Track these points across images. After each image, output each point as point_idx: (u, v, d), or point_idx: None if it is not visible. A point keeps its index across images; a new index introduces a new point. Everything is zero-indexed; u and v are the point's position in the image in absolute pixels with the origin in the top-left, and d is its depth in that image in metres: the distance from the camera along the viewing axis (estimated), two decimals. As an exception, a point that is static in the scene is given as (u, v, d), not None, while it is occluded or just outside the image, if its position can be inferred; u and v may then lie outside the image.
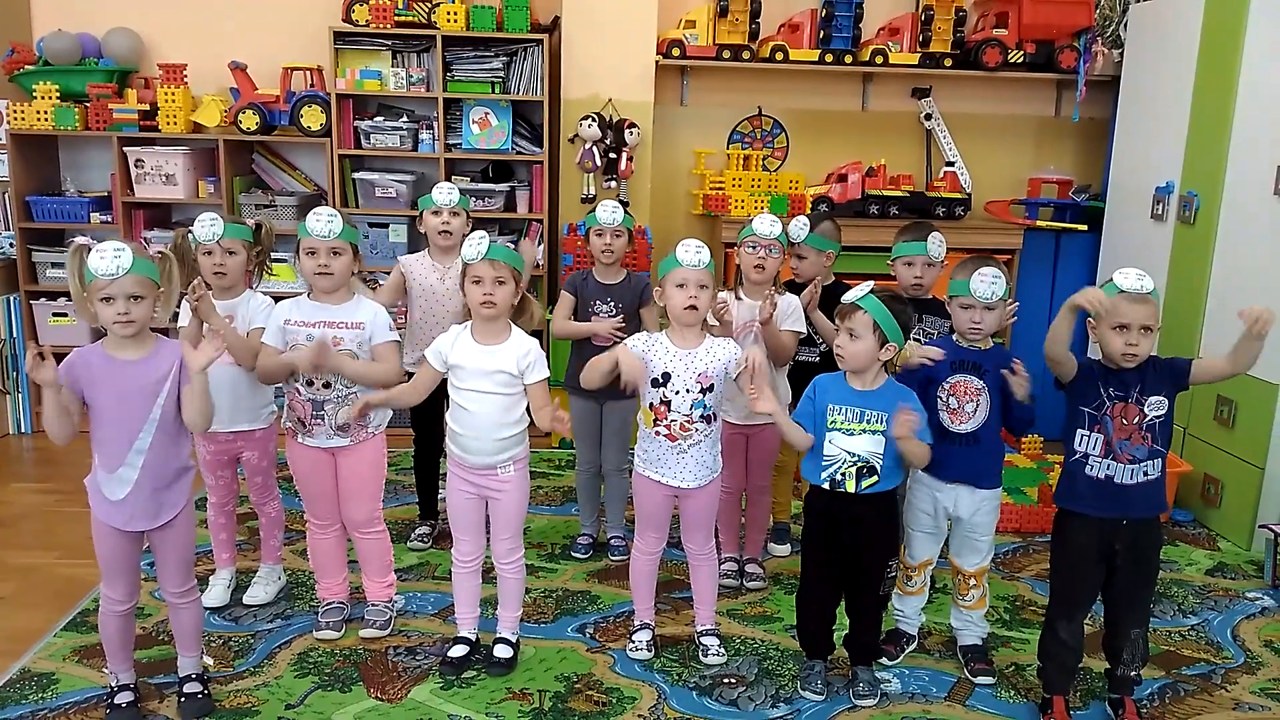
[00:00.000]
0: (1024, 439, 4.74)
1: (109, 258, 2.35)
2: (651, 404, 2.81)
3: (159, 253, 2.51)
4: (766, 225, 3.20)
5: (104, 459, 2.45)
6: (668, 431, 2.80)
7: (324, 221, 2.86)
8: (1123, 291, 2.53)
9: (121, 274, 2.35)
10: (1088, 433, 2.61)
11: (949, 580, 3.08)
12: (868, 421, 2.66)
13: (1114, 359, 2.57)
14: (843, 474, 2.67)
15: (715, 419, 2.84)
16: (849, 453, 2.66)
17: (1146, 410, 2.56)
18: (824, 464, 2.69)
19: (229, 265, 3.01)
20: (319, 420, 2.92)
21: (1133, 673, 2.72)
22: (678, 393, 2.77)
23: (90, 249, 2.39)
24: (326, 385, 2.89)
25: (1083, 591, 2.71)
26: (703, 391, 2.77)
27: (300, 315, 2.91)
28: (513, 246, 2.82)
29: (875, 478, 2.68)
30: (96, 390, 2.41)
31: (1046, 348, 2.61)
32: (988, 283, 2.75)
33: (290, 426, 2.97)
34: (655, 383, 2.78)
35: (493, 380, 2.75)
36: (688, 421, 2.78)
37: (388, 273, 3.83)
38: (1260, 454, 3.83)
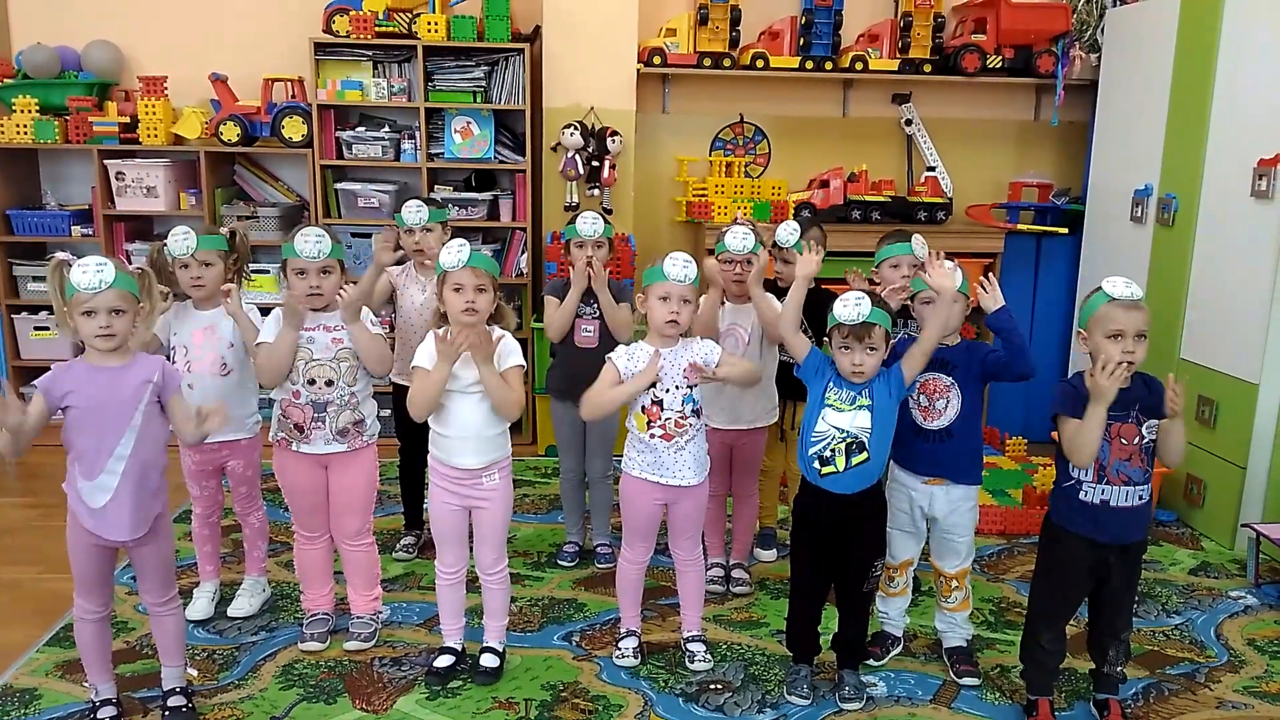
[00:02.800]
0: (1008, 440, 4.76)
1: (91, 272, 2.36)
2: (643, 406, 2.82)
3: (139, 269, 2.52)
4: (739, 241, 3.19)
5: (84, 467, 2.44)
6: (663, 432, 2.81)
7: (313, 243, 2.86)
8: (1114, 299, 2.52)
9: (104, 288, 2.36)
10: None
11: (933, 583, 3.09)
12: (857, 401, 2.68)
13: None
14: (832, 450, 2.67)
15: (702, 413, 2.87)
16: (838, 429, 2.67)
17: (1144, 432, 2.54)
18: (813, 440, 2.70)
19: (206, 277, 3.01)
20: (319, 424, 2.91)
21: (1118, 669, 2.74)
22: (668, 391, 2.79)
23: (71, 264, 2.39)
24: (329, 384, 2.89)
25: (1069, 604, 2.72)
26: (690, 386, 2.80)
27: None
28: (491, 254, 2.82)
29: (865, 455, 2.67)
30: (77, 398, 2.40)
31: (1078, 449, 2.56)
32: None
33: (283, 437, 2.95)
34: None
35: (464, 376, 2.74)
36: (681, 418, 2.80)
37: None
38: (1242, 454, 3.85)
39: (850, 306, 2.61)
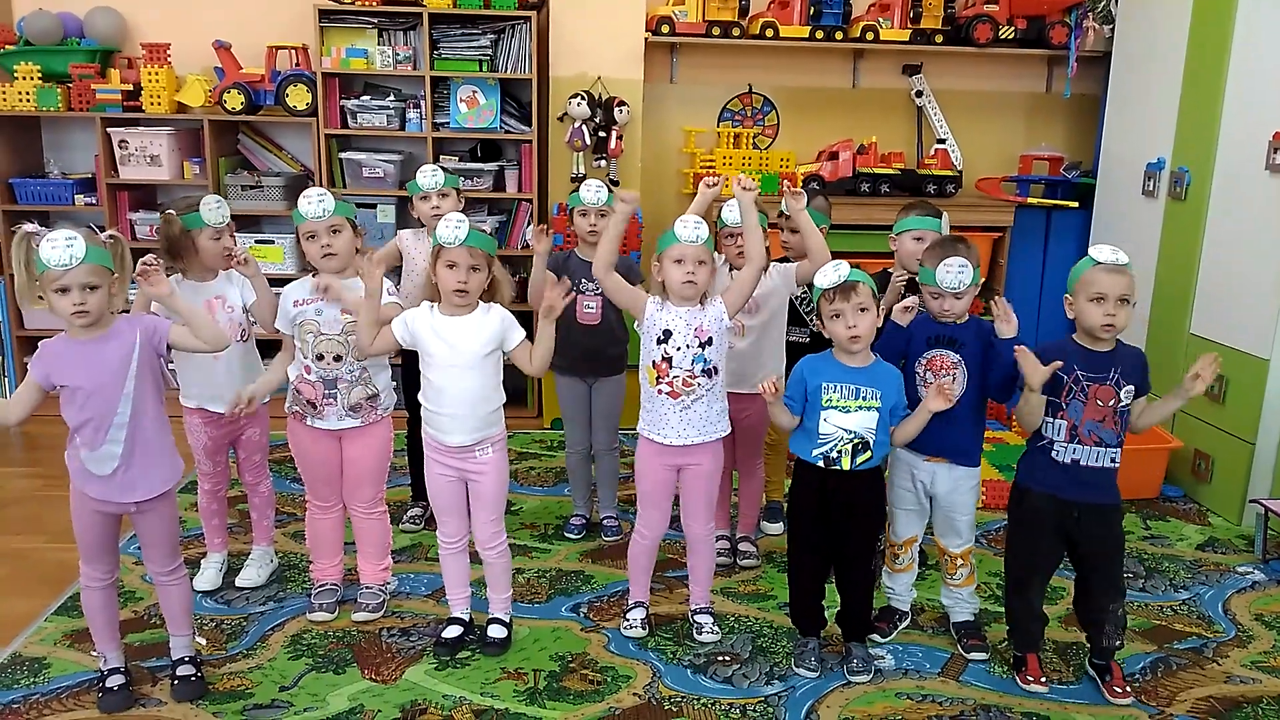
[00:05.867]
0: (1013, 416, 4.74)
1: (61, 248, 2.29)
2: (654, 361, 2.81)
3: (110, 236, 2.45)
4: (734, 214, 3.12)
5: (85, 438, 2.42)
6: (670, 389, 2.80)
7: (315, 203, 2.83)
8: (1099, 264, 2.56)
9: (75, 264, 2.30)
10: (1052, 419, 2.65)
11: (938, 559, 3.08)
12: (864, 399, 2.67)
13: (1093, 331, 2.59)
14: (839, 451, 2.68)
15: (717, 372, 2.84)
16: (845, 430, 2.67)
17: (1122, 396, 2.58)
18: (819, 442, 2.69)
19: (235, 246, 3.01)
20: (331, 399, 2.90)
21: (1116, 644, 2.77)
22: (678, 349, 2.78)
23: (39, 237, 2.33)
24: (338, 359, 2.87)
25: (1038, 564, 2.77)
26: (701, 346, 2.78)
27: (307, 294, 2.89)
28: (486, 231, 2.78)
29: (869, 453, 2.69)
30: (69, 375, 2.38)
31: (1022, 420, 2.70)
32: (954, 273, 2.75)
33: (297, 410, 2.94)
34: (657, 340, 2.79)
35: (465, 352, 2.73)
36: (689, 377, 2.79)
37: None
38: (1251, 429, 3.84)
39: (830, 273, 2.64)
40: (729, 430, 2.93)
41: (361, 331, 2.78)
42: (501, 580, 2.95)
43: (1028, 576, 2.77)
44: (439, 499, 2.88)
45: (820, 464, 2.70)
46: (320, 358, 2.87)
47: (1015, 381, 2.75)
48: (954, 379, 2.82)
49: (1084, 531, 2.67)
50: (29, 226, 2.37)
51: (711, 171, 4.97)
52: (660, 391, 2.81)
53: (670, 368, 2.79)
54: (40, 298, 2.37)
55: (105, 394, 2.40)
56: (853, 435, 2.67)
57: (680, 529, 3.04)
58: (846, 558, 2.80)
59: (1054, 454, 2.65)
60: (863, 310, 2.63)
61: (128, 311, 2.58)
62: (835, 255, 3.49)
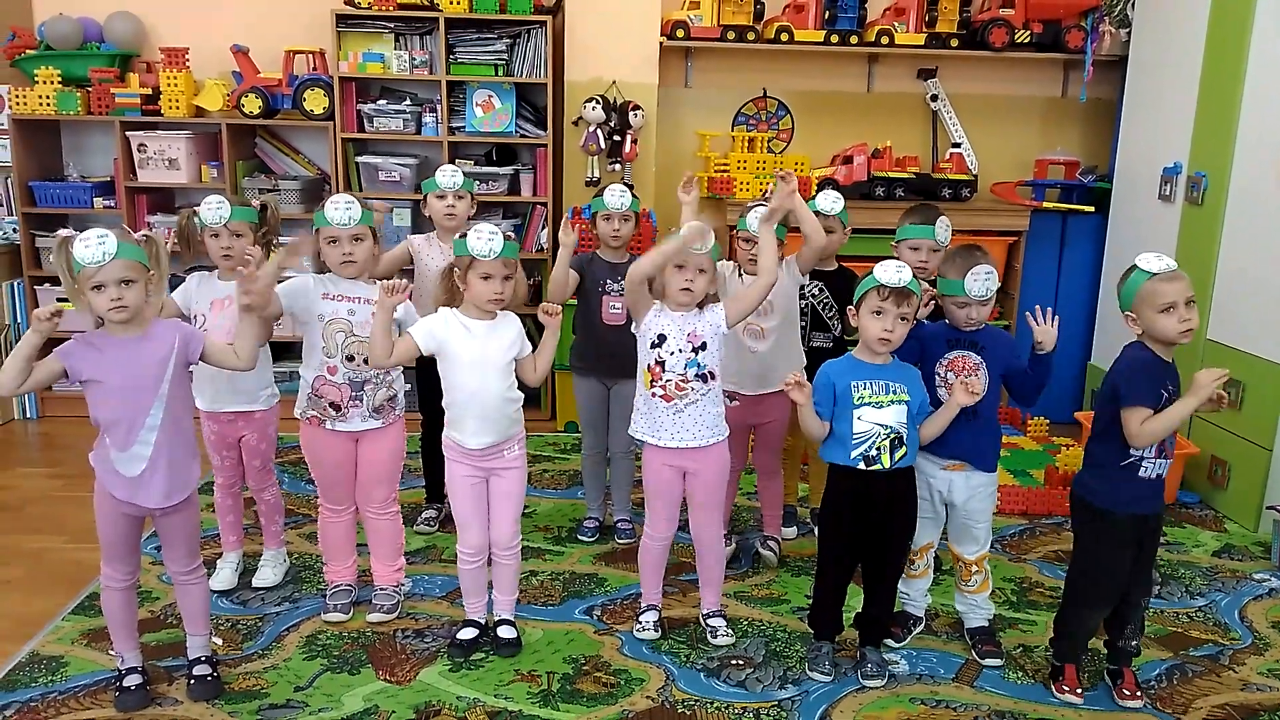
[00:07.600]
0: (1030, 421, 4.74)
1: (94, 246, 2.33)
2: (648, 365, 2.83)
3: (144, 235, 2.47)
4: (756, 219, 3.12)
5: (115, 438, 2.44)
6: (663, 392, 2.81)
7: (343, 209, 2.85)
8: (1155, 275, 2.54)
9: (108, 260, 2.33)
10: None
11: (953, 565, 3.07)
12: (894, 393, 2.67)
13: (1173, 339, 2.55)
14: (878, 448, 2.67)
15: (713, 377, 2.84)
16: (882, 425, 2.66)
17: None
18: (855, 443, 2.68)
19: (236, 247, 2.99)
20: (357, 402, 2.92)
21: (1134, 643, 2.77)
22: (672, 353, 2.79)
23: (74, 239, 2.36)
24: (368, 361, 2.88)
25: (1118, 584, 2.69)
26: (695, 350, 2.79)
27: (338, 289, 2.91)
28: (511, 237, 2.80)
29: (904, 449, 2.68)
30: (104, 372, 2.40)
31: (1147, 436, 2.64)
32: (981, 280, 2.75)
33: (314, 415, 2.95)
34: (651, 344, 2.81)
35: (494, 354, 2.77)
36: (682, 381, 2.79)
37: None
38: (1268, 436, 3.81)
39: (893, 271, 2.62)
40: (728, 432, 2.92)
41: (377, 344, 2.72)
42: (511, 583, 2.96)
43: (1107, 600, 2.71)
44: (462, 504, 2.88)
45: (860, 465, 2.68)
46: (350, 359, 2.89)
47: (1040, 388, 2.80)
48: (976, 380, 2.82)
49: (1148, 540, 2.68)
50: (64, 232, 2.41)
51: (726, 176, 4.97)
52: (654, 395, 2.83)
53: (663, 371, 2.80)
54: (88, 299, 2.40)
55: (138, 393, 2.42)
56: (890, 430, 2.67)
57: (690, 531, 3.03)
58: (881, 559, 2.79)
59: (1142, 471, 2.60)
60: (903, 320, 2.64)
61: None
62: (848, 259, 3.52)
